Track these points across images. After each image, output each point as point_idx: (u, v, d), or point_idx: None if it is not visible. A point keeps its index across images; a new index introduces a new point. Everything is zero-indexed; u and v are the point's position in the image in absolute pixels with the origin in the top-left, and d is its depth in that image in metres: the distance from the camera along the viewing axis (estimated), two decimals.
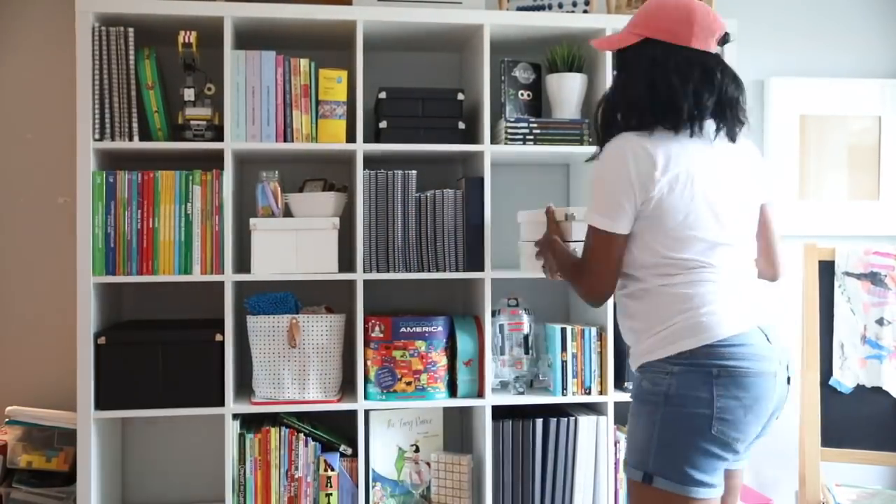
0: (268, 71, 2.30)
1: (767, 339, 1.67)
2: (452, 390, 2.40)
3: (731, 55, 2.42)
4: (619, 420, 2.39)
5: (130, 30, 2.24)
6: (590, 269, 1.73)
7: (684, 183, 1.65)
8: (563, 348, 2.40)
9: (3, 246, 2.56)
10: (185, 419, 2.56)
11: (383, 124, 2.36)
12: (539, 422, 2.39)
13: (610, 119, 1.74)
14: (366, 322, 2.35)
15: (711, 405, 1.59)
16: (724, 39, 1.74)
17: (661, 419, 1.62)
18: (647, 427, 1.65)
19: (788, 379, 1.71)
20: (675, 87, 1.66)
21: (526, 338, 2.46)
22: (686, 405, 1.60)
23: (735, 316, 1.64)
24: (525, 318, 2.45)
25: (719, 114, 1.69)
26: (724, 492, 1.69)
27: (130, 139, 2.25)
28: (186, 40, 2.25)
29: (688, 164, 1.65)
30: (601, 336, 2.42)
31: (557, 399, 2.41)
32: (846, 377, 2.59)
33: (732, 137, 1.71)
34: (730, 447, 1.61)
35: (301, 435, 2.34)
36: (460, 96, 2.39)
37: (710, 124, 1.69)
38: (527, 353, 2.45)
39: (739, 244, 1.72)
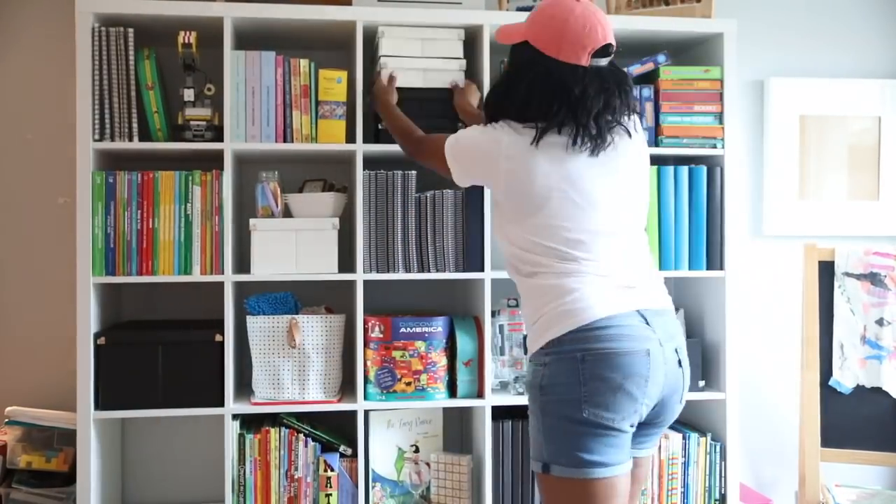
0: (267, 71, 2.30)
1: (646, 322, 1.71)
2: (452, 391, 2.41)
3: (730, 56, 2.43)
4: None
5: (130, 30, 2.24)
6: (422, 151, 2.06)
7: (535, 174, 1.73)
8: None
9: (3, 246, 2.56)
10: (184, 419, 2.56)
11: (383, 125, 2.35)
12: None
13: (486, 106, 1.89)
14: (365, 322, 2.35)
15: (579, 389, 1.65)
16: (605, 52, 1.77)
17: (541, 409, 1.70)
18: (534, 418, 1.73)
19: (679, 362, 1.75)
20: (525, 94, 1.77)
21: (526, 338, 2.45)
22: (558, 392, 1.68)
23: (603, 301, 1.70)
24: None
25: (577, 127, 1.74)
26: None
27: (130, 139, 2.25)
28: (186, 41, 2.25)
29: (544, 157, 1.73)
30: None
31: None
32: (846, 377, 2.59)
33: (593, 150, 1.75)
34: (607, 427, 1.65)
35: (301, 435, 2.34)
36: None
37: (568, 132, 1.75)
38: (526, 353, 2.45)
39: (617, 231, 1.77)
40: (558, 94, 1.74)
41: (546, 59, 1.77)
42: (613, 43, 1.79)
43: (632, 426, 1.70)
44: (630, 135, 1.81)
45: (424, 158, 2.06)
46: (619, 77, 1.80)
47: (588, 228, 1.73)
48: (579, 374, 1.66)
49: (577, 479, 1.65)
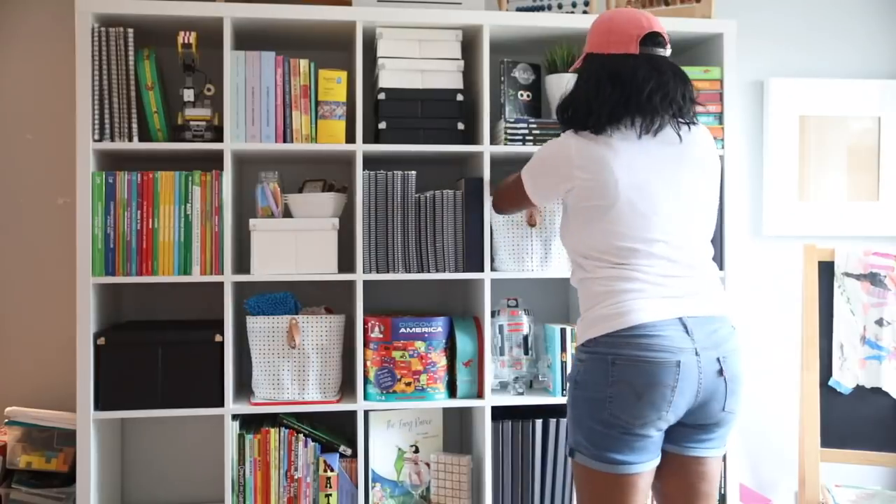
0: (267, 71, 2.30)
1: (685, 330, 1.75)
2: (452, 391, 2.41)
3: (730, 56, 2.43)
4: None
5: (130, 30, 2.24)
6: (501, 193, 2.22)
7: (604, 181, 1.79)
8: (563, 349, 2.40)
9: (3, 246, 2.56)
10: (184, 420, 2.56)
11: (382, 125, 2.36)
12: (539, 422, 2.39)
13: (558, 117, 1.96)
14: (365, 322, 2.35)
15: (605, 390, 1.73)
16: (655, 41, 1.85)
17: (573, 401, 1.81)
18: (568, 406, 1.84)
19: (721, 371, 1.76)
20: (584, 93, 1.85)
21: (525, 338, 2.46)
22: (587, 389, 1.77)
23: (643, 308, 1.75)
24: (524, 319, 2.45)
25: (635, 111, 1.81)
26: (690, 476, 1.83)
27: (130, 140, 2.25)
28: (186, 41, 2.25)
29: (611, 164, 1.79)
30: None
31: (557, 399, 2.41)
32: (846, 378, 2.59)
33: (650, 131, 1.81)
34: (627, 429, 1.72)
35: (301, 435, 2.34)
36: (459, 97, 2.39)
37: (629, 123, 1.82)
38: (526, 353, 2.45)
39: (675, 239, 1.81)
40: (612, 80, 1.82)
41: (599, 57, 1.87)
42: (663, 33, 1.87)
43: (658, 430, 1.75)
44: (690, 128, 1.86)
45: (507, 198, 2.19)
46: (674, 66, 1.86)
47: (646, 237, 1.79)
48: (608, 375, 1.73)
49: (596, 469, 1.76)
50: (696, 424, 1.80)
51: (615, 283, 1.79)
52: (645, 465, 1.76)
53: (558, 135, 2.37)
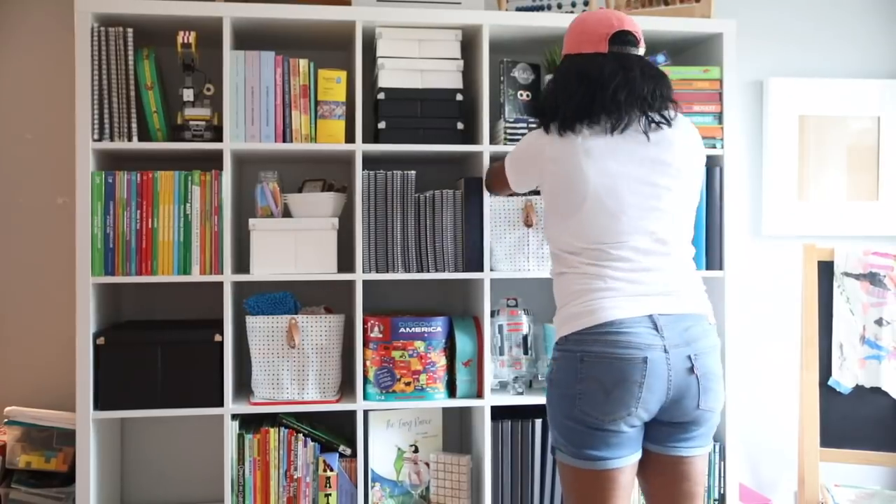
0: (267, 71, 2.30)
1: (655, 328, 1.75)
2: (451, 391, 2.41)
3: (730, 56, 2.43)
4: None
5: (129, 30, 2.23)
6: (491, 175, 2.27)
7: (573, 179, 1.81)
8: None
9: (3, 246, 2.56)
10: (184, 419, 2.56)
11: (382, 125, 2.36)
12: (538, 422, 2.39)
13: (534, 115, 2.10)
14: (365, 322, 2.35)
15: (575, 387, 1.76)
16: (625, 40, 1.86)
17: (549, 399, 1.84)
18: (547, 405, 1.86)
19: (691, 368, 1.77)
20: (554, 92, 1.89)
21: (525, 338, 2.46)
22: (559, 387, 1.80)
23: (612, 306, 1.77)
24: (524, 319, 2.46)
25: (601, 108, 1.82)
26: (674, 476, 1.83)
27: (129, 139, 2.25)
28: (185, 41, 2.25)
29: (580, 161, 1.81)
30: None
31: None
32: (845, 377, 2.59)
33: (616, 128, 1.82)
34: (598, 425, 1.74)
35: (300, 435, 2.34)
36: (459, 97, 2.39)
37: (598, 120, 1.83)
38: (526, 353, 2.45)
39: (644, 238, 1.82)
40: (579, 78, 1.85)
41: (571, 56, 1.91)
42: (634, 32, 1.87)
43: (631, 426, 1.76)
44: (663, 127, 1.85)
45: (495, 181, 2.24)
46: (645, 64, 1.87)
47: (616, 236, 1.81)
48: (577, 372, 1.77)
49: (574, 466, 1.79)
50: (673, 423, 1.81)
51: (588, 280, 1.81)
52: (623, 461, 1.77)
53: None
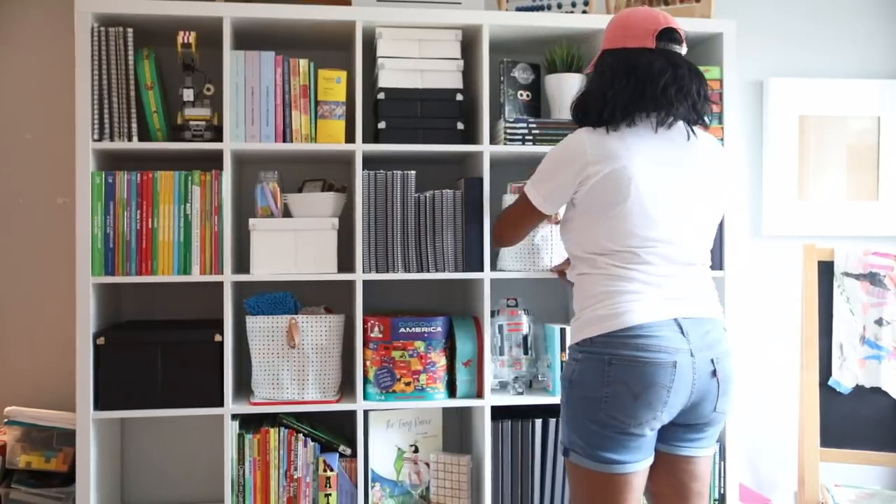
0: (267, 71, 2.30)
1: (681, 331, 1.75)
2: (451, 391, 2.41)
3: (730, 56, 2.43)
4: None
5: (129, 30, 2.23)
6: (502, 221, 2.13)
7: (618, 177, 1.77)
8: (563, 348, 2.40)
9: (3, 246, 2.56)
10: (184, 419, 2.56)
11: (382, 125, 2.36)
12: (538, 422, 2.39)
13: (573, 116, 1.93)
14: (365, 322, 2.35)
15: (601, 390, 1.73)
16: (672, 38, 1.85)
17: (567, 400, 1.82)
18: (563, 406, 1.84)
19: (714, 372, 1.78)
20: (599, 86, 1.84)
21: (525, 338, 2.46)
22: (583, 389, 1.77)
23: (640, 309, 1.76)
24: (524, 319, 2.45)
25: (650, 103, 1.80)
26: (681, 475, 1.85)
27: (129, 139, 2.25)
28: (185, 41, 2.25)
29: (624, 160, 1.77)
30: None
31: (556, 399, 2.40)
32: (845, 377, 2.59)
33: (664, 124, 1.81)
34: (622, 429, 1.73)
35: (300, 435, 2.34)
36: (459, 97, 2.39)
37: (645, 117, 1.82)
38: (526, 353, 2.45)
39: (677, 241, 1.81)
40: (627, 73, 1.81)
41: (615, 51, 1.85)
42: (679, 30, 1.87)
43: (652, 430, 1.76)
44: (699, 132, 1.87)
45: (506, 226, 2.12)
46: (690, 63, 1.86)
47: (650, 236, 1.79)
48: (604, 375, 1.74)
49: (590, 469, 1.77)
50: (686, 424, 1.81)
51: (614, 283, 1.79)
52: (639, 465, 1.77)
53: (557, 134, 2.40)
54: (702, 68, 2.42)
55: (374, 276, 2.33)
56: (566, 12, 2.52)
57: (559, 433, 1.92)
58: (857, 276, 2.60)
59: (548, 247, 2.37)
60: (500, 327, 2.44)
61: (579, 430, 1.78)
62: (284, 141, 2.30)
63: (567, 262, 2.33)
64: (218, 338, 2.26)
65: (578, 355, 1.80)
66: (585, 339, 1.79)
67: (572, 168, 1.83)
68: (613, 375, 1.73)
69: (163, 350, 2.25)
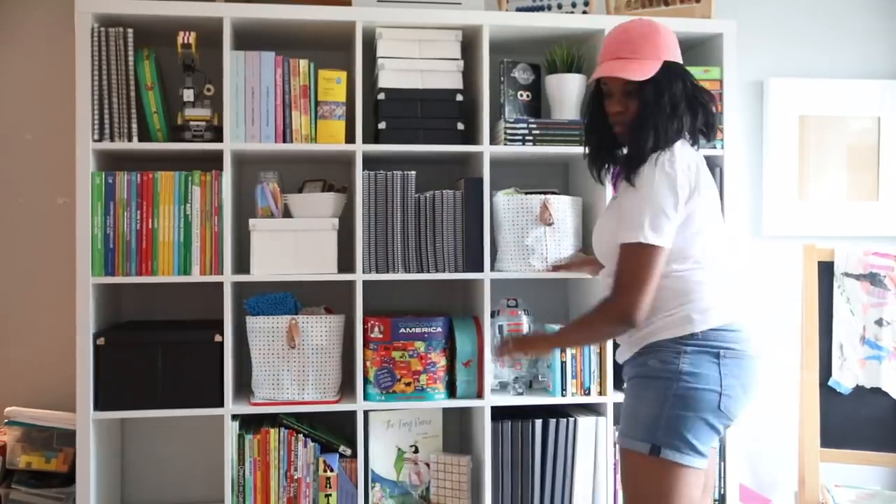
0: (267, 72, 2.30)
1: None
2: (452, 391, 2.41)
3: (730, 56, 2.43)
4: (619, 421, 2.38)
5: (130, 30, 2.24)
6: (631, 286, 1.72)
7: (696, 186, 1.80)
8: (563, 349, 2.40)
9: (3, 246, 2.56)
10: (184, 420, 2.56)
11: (382, 125, 2.36)
12: (538, 423, 2.39)
13: (664, 129, 1.80)
14: (365, 323, 2.35)
15: (719, 383, 1.73)
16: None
17: (674, 395, 1.73)
18: (656, 401, 1.74)
19: None
20: (688, 103, 1.83)
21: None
22: (697, 382, 1.73)
23: (732, 305, 1.82)
24: (524, 319, 2.45)
25: (709, 117, 1.88)
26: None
27: (130, 140, 2.25)
28: (186, 41, 2.25)
29: (697, 170, 1.82)
30: None
31: (556, 400, 2.41)
32: (845, 378, 2.59)
33: (708, 138, 1.89)
34: (728, 424, 1.77)
35: (300, 436, 2.34)
36: (459, 97, 2.38)
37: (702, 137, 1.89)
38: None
39: (728, 243, 1.91)
40: (698, 92, 1.86)
41: (681, 67, 1.85)
42: None
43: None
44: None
45: (633, 292, 1.73)
46: None
47: (718, 241, 1.85)
48: (720, 368, 1.75)
49: (683, 465, 1.71)
50: None
51: (707, 281, 1.80)
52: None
53: (557, 135, 2.40)
54: (702, 68, 2.44)
55: (374, 276, 2.33)
56: (566, 13, 2.52)
57: (636, 429, 1.74)
58: (858, 277, 2.60)
59: (541, 247, 2.36)
60: (501, 327, 2.44)
61: (689, 424, 1.70)
62: (284, 141, 2.30)
63: (577, 259, 2.37)
64: (218, 338, 2.26)
65: (685, 348, 1.74)
66: (693, 332, 1.75)
67: (688, 181, 1.76)
68: (727, 369, 1.75)
69: (163, 350, 2.25)
